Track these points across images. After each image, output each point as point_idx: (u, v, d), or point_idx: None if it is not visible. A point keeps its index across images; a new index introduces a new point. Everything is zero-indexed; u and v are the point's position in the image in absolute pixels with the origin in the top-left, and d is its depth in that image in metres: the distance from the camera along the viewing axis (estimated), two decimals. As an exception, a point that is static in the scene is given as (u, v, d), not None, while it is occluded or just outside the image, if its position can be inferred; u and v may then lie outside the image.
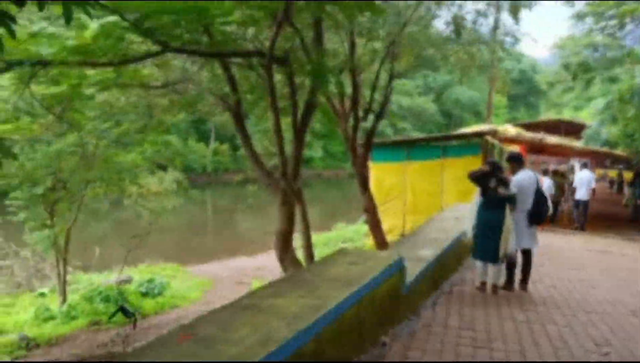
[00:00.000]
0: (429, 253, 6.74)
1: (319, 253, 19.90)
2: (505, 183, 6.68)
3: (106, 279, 16.12)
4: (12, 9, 5.68)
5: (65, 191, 12.04)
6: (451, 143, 15.97)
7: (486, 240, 6.62)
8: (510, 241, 6.61)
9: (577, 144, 21.69)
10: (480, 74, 58.00)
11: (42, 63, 5.55)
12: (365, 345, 4.28)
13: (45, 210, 12.24)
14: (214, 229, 32.95)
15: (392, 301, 4.90)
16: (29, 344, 9.85)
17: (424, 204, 14.94)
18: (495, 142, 14.28)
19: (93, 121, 9.79)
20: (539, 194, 6.85)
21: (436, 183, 14.62)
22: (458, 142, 15.59)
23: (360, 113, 10.98)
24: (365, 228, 16.68)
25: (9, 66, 5.21)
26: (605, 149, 23.52)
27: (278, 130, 7.34)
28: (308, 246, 7.85)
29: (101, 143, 11.56)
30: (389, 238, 15.03)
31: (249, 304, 3.42)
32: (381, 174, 15.73)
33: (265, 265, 19.35)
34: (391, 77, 11.41)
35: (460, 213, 9.84)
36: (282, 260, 7.85)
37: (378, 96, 11.84)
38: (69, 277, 16.71)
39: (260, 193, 43.95)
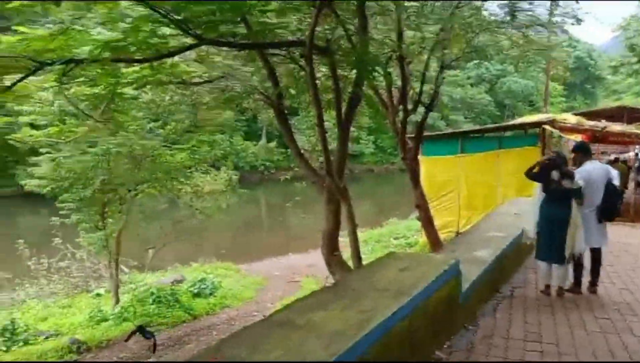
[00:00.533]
0: (486, 253, 6.22)
1: (370, 249, 19.58)
2: (569, 176, 6.07)
3: (159, 279, 16.21)
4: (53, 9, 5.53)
5: (115, 193, 12.07)
6: (507, 134, 15.24)
7: (550, 238, 6.03)
8: (578, 240, 5.99)
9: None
10: (536, 61, 56.15)
11: (75, 62, 5.37)
12: (418, 361, 3.84)
13: (96, 212, 12.32)
14: (266, 227, 32.99)
15: (448, 310, 4.45)
16: (79, 347, 9.86)
17: (479, 199, 14.27)
18: (555, 131, 13.45)
19: (139, 121, 9.68)
20: (610, 187, 6.20)
21: (492, 176, 13.92)
22: (514, 133, 14.86)
23: (410, 105, 10.44)
24: (417, 224, 16.10)
25: (40, 66, 5.04)
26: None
27: (320, 124, 6.95)
28: (355, 248, 7.42)
29: (149, 143, 11.51)
30: (443, 235, 14.44)
31: (284, 320, 3.04)
32: (433, 168, 15.12)
33: (316, 263, 18.96)
34: (442, 66, 10.81)
35: (520, 208, 9.22)
36: (328, 261, 7.49)
37: (428, 88, 11.27)
38: (125, 277, 16.95)
39: (310, 190, 44.04)
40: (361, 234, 22.64)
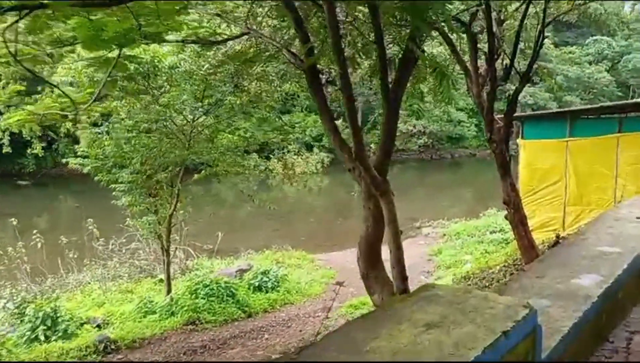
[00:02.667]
0: (592, 281, 4.22)
1: (461, 244, 17.44)
2: None
3: (225, 267, 15.21)
4: None
5: (166, 174, 11.02)
6: (630, 115, 12.55)
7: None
8: None
9: None
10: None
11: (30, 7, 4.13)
12: None
13: (147, 194, 11.35)
14: (354, 213, 31.32)
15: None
16: (107, 347, 8.85)
17: (592, 194, 11.81)
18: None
19: (174, 94, 8.42)
20: None
21: (610, 166, 11.38)
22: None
23: (500, 73, 8.31)
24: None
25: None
26: None
27: (346, 85, 5.11)
28: (398, 262, 5.55)
29: (199, 120, 10.30)
30: (543, 235, 12.15)
31: None
32: (535, 154, 12.75)
33: (399, 256, 17.31)
34: (542, 23, 8.47)
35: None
36: (365, 276, 5.78)
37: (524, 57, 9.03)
38: (191, 263, 16.16)
39: (410, 173, 41.90)
40: (454, 226, 20.61)
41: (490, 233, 18.34)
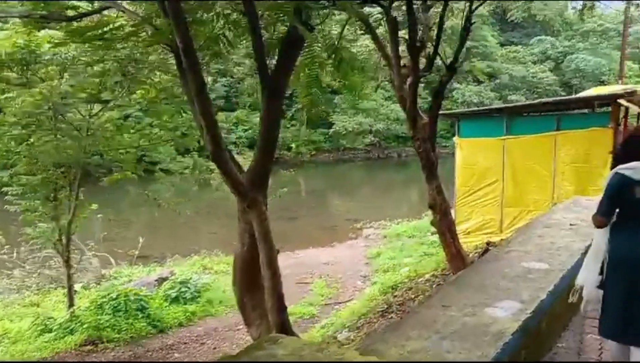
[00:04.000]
0: (507, 314, 3.38)
1: (401, 246, 16.74)
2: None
3: (148, 275, 14.00)
4: None
5: (64, 176, 9.78)
6: (569, 113, 12.07)
7: (629, 299, 3.17)
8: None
9: None
10: (609, 37, 50.82)
11: None
12: None
13: (46, 199, 10.08)
14: (295, 214, 30.30)
15: None
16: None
17: (530, 195, 11.22)
18: (635, 108, 10.20)
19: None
20: None
21: (548, 165, 10.77)
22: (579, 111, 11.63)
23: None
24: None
25: None
26: None
27: (191, 63, 4.02)
28: (273, 292, 4.43)
29: (97, 116, 9.13)
30: (480, 238, 11.52)
31: None
32: (472, 153, 12.05)
33: (339, 260, 16.45)
34: (470, 9, 7.65)
35: (580, 216, 6.24)
36: (241, 304, 4.79)
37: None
38: (109, 271, 14.88)
39: (356, 172, 41.22)
40: (396, 226, 19.87)
41: (432, 234, 17.74)
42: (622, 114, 10.62)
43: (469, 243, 11.39)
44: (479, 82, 44.71)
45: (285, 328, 4.30)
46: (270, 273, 4.36)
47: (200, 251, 16.91)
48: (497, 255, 4.78)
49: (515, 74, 45.49)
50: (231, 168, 4.46)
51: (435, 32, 7.62)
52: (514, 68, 46.02)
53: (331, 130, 41.30)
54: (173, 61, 5.81)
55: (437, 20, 7.73)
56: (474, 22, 8.26)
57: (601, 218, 3.43)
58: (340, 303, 12.25)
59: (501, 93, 43.50)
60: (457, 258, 8.15)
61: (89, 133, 8.88)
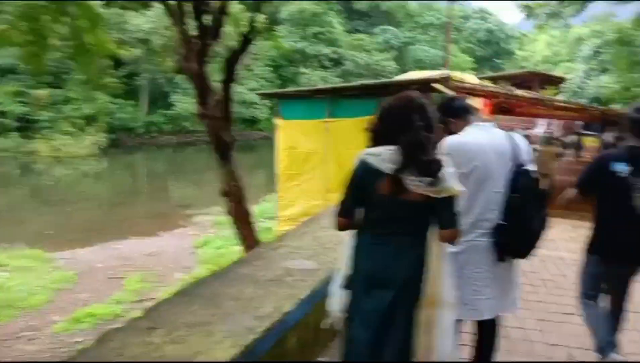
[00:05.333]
0: (228, 335, 2.59)
1: (229, 234, 15.91)
2: (428, 164, 2.51)
3: None
4: None
5: None
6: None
7: (377, 323, 2.47)
8: (444, 322, 2.46)
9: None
10: (442, 31, 54.06)
11: None
12: None
13: None
14: (130, 200, 28.24)
15: None
16: None
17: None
18: (448, 93, 10.19)
19: None
20: (523, 180, 2.77)
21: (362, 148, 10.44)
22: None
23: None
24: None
25: None
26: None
27: None
28: None
29: None
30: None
31: None
32: (294, 136, 11.41)
33: (161, 251, 15.15)
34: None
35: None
36: None
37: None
38: None
39: (199, 156, 39.64)
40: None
41: (266, 219, 17.14)
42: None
43: (292, 230, 10.80)
44: (325, 68, 45.18)
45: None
46: None
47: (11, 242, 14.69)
48: (262, 253, 4.02)
49: (360, 61, 46.64)
50: None
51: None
52: (359, 55, 47.17)
53: (171, 111, 39.30)
54: None
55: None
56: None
57: (341, 218, 2.72)
58: (152, 299, 11.13)
59: (347, 79, 44.36)
60: (253, 246, 7.42)
61: None
